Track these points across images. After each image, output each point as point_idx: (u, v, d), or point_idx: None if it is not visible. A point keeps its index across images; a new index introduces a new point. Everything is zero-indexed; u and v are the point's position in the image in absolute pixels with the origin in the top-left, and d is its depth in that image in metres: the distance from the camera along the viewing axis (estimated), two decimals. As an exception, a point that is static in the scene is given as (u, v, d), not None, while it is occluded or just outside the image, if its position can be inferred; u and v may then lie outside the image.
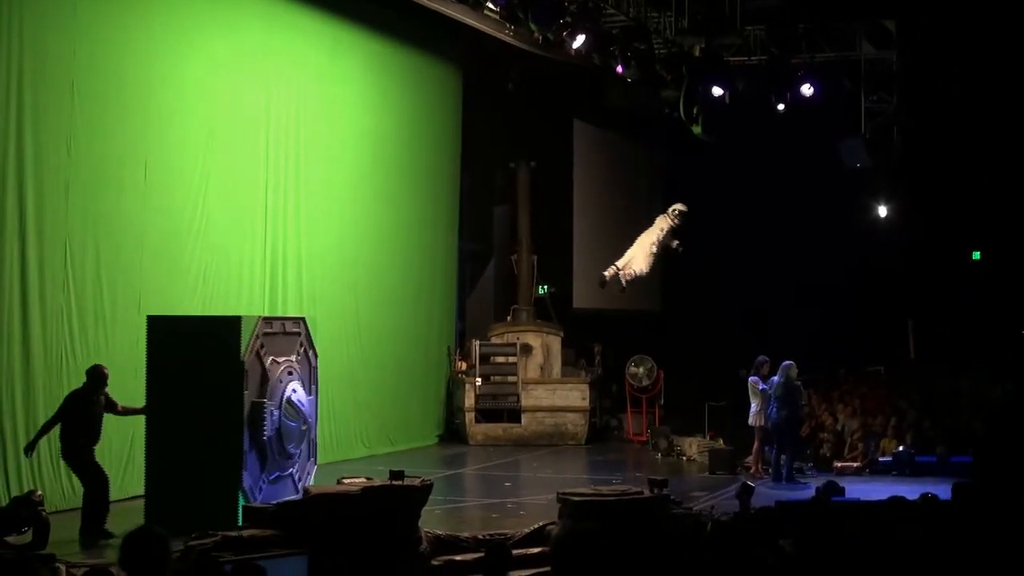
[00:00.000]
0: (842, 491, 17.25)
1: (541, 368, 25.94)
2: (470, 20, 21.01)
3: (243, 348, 14.30)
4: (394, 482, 12.58)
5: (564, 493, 13.41)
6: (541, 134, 27.41)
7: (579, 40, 20.27)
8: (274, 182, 20.46)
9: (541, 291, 27.55)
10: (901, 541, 5.98)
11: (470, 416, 25.07)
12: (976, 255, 31.73)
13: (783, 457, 20.09)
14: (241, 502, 13.90)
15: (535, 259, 27.01)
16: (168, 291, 17.87)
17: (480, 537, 13.20)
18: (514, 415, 25.30)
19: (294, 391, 15.29)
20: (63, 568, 10.19)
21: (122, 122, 17.17)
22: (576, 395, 25.51)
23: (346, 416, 22.24)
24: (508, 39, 21.95)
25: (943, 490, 10.68)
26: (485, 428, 25.12)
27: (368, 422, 22.96)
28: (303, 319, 16.23)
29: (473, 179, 27.28)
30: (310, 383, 16.07)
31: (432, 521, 13.90)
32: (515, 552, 11.74)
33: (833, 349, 28.58)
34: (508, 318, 26.72)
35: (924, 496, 9.58)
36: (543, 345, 26.10)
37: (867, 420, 22.79)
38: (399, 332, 24.11)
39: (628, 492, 13.63)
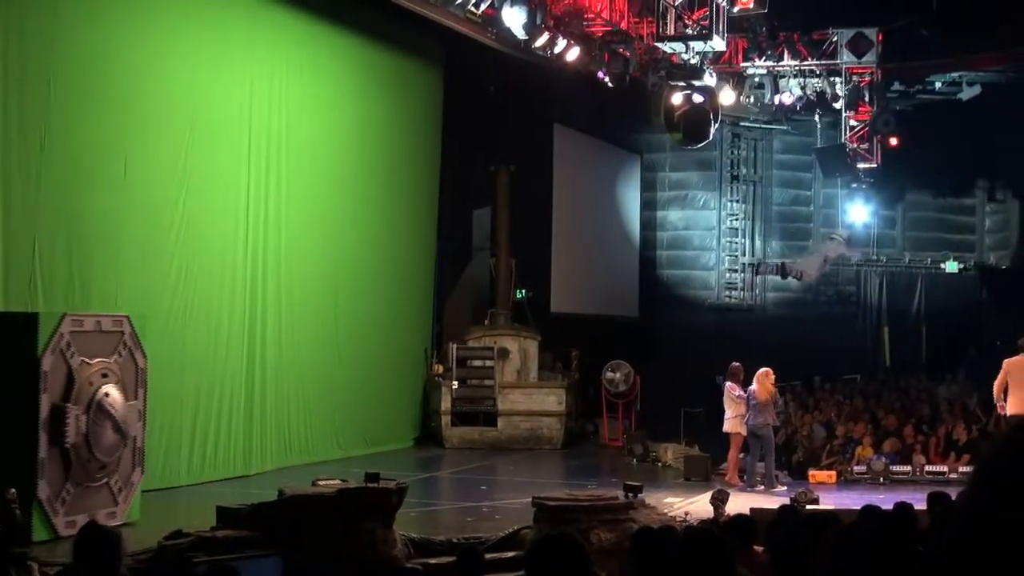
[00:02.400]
0: (816, 499, 17.36)
1: (518, 372, 25.97)
2: (452, 22, 21.04)
3: (40, 347, 13.47)
4: (369, 484, 12.62)
5: (539, 497, 13.47)
6: (521, 137, 27.45)
7: (560, 45, 20.36)
8: (255, 180, 20.45)
9: (519, 295, 27.58)
10: (874, 551, 6.02)
11: (446, 419, 25.07)
12: (952, 266, 31.92)
13: (759, 464, 20.18)
14: (36, 513, 13.16)
15: (513, 262, 27.04)
16: (146, 289, 17.84)
17: (455, 541, 13.25)
18: (490, 419, 25.31)
19: (107, 395, 14.11)
20: (35, 567, 10.19)
21: (101, 117, 17.12)
22: (552, 399, 25.54)
23: (322, 417, 22.24)
24: (489, 42, 21.98)
25: (918, 499, 10.75)
26: (461, 431, 25.13)
27: (344, 423, 22.96)
28: (127, 317, 15.10)
29: (452, 181, 27.31)
30: (136, 387, 14.93)
31: (407, 524, 13.91)
32: (489, 556, 11.77)
33: (809, 356, 28.72)
34: (485, 321, 26.74)
35: (898, 506, 9.63)
36: (520, 349, 26.13)
37: (843, 428, 22.88)
38: (377, 333, 24.12)
39: (603, 497, 13.70)
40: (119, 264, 17.38)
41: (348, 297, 23.19)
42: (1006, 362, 18.92)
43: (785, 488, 19.61)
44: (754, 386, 20.21)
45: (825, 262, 23.49)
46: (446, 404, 25.05)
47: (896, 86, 28.09)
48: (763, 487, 19.83)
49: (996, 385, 18.95)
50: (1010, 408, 18.56)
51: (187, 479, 18.36)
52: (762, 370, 20.38)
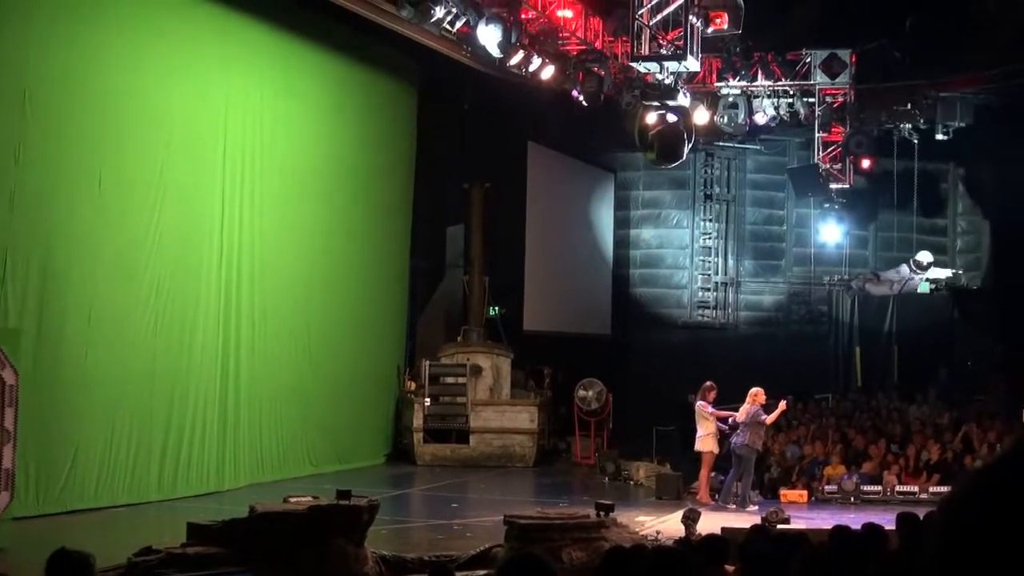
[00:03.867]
0: (787, 519, 17.41)
1: (490, 389, 25.98)
2: (426, 40, 21.07)
3: None
4: (341, 501, 12.61)
5: (511, 516, 13.47)
6: (495, 155, 27.49)
7: (535, 63, 20.43)
8: (229, 196, 20.45)
9: (492, 312, 27.60)
10: (843, 572, 6.06)
11: (418, 436, 25.06)
12: (924, 287, 32.03)
13: (737, 484, 20.22)
14: None
15: (487, 280, 27.07)
16: (120, 304, 17.83)
17: (426, 558, 13.24)
18: (462, 436, 25.31)
19: None
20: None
21: (76, 133, 17.13)
22: (525, 417, 25.56)
23: (294, 433, 22.22)
24: (464, 60, 22.04)
25: (888, 520, 10.79)
26: (433, 448, 25.12)
27: (316, 440, 22.94)
28: None
29: (426, 198, 27.31)
30: (3, 405, 14.22)
31: (378, 541, 13.90)
32: (460, 574, 11.77)
33: (782, 376, 28.78)
34: (458, 338, 26.74)
35: (867, 526, 9.66)
36: (493, 366, 26.14)
37: (810, 448, 22.95)
38: (349, 350, 24.11)
39: (575, 515, 13.71)
40: (94, 279, 17.37)
41: (321, 314, 23.18)
42: None
43: (757, 507, 19.65)
44: (746, 405, 20.25)
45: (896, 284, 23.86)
46: (418, 421, 25.05)
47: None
48: (734, 506, 19.86)
49: None
50: None
51: (157, 495, 18.31)
52: (752, 389, 20.41)
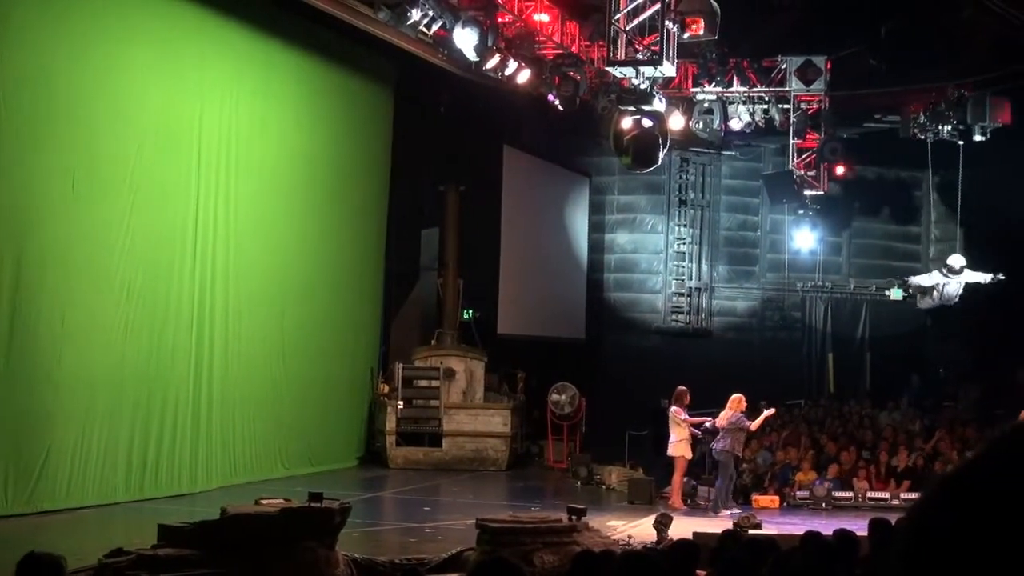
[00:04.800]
0: (759, 524, 17.46)
1: (464, 393, 25.98)
2: (403, 43, 21.07)
3: None
4: (312, 504, 12.59)
5: (483, 519, 13.48)
6: (471, 158, 27.50)
7: (511, 67, 20.46)
8: (204, 197, 20.40)
9: (466, 315, 27.61)
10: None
11: (391, 439, 25.04)
12: (896, 294, 32.14)
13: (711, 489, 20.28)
14: None
15: (461, 283, 27.07)
16: (93, 305, 17.78)
17: (397, 562, 13.24)
18: (435, 439, 25.30)
19: None
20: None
21: (50, 133, 17.08)
22: (498, 421, 25.56)
23: (267, 435, 22.18)
24: (441, 63, 22.04)
25: (860, 526, 10.83)
26: (406, 451, 25.11)
27: (289, 442, 22.90)
28: None
29: (402, 201, 27.29)
30: None
31: (350, 544, 13.88)
32: (432, 577, 11.78)
33: (755, 381, 28.86)
34: (432, 341, 26.73)
35: (839, 532, 9.69)
36: (466, 370, 26.14)
37: (782, 453, 23.04)
38: (323, 352, 24.08)
39: (547, 519, 13.72)
40: (67, 280, 17.32)
41: (295, 316, 23.14)
42: None
43: (730, 513, 19.70)
44: (727, 411, 20.30)
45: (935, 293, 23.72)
46: (391, 424, 25.02)
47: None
48: (728, 512, 19.81)
49: None
50: None
51: (125, 496, 18.24)
52: (734, 396, 20.47)
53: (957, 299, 24.23)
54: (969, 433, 23.65)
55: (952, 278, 23.26)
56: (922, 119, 25.48)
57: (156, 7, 19.29)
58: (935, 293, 23.76)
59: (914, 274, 31.66)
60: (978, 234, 27.39)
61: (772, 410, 21.50)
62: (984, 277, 23.10)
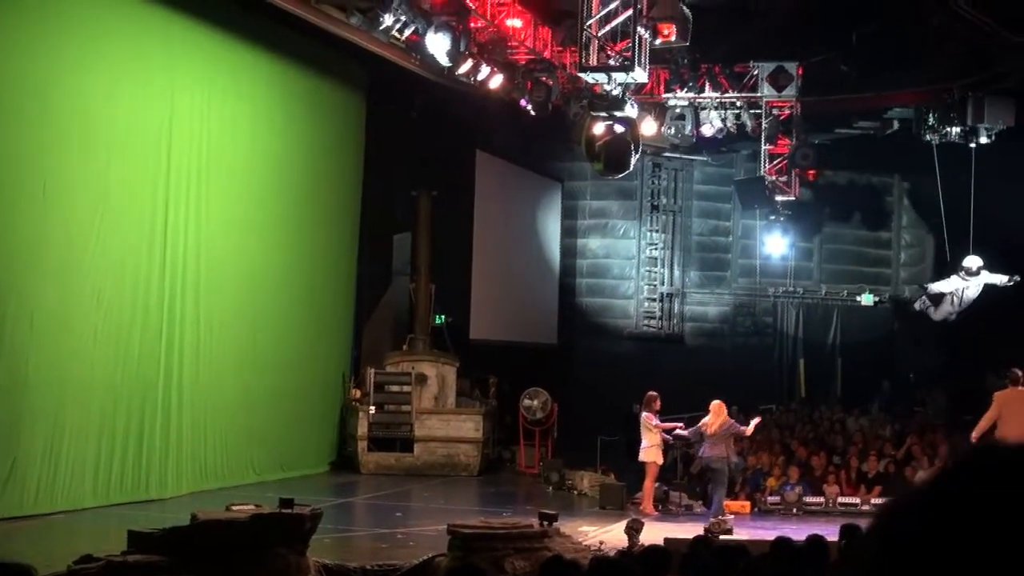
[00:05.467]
0: (730, 530, 17.51)
1: (435, 398, 25.96)
2: (375, 47, 21.06)
3: None
4: (283, 510, 12.57)
5: (454, 525, 13.48)
6: (443, 162, 27.49)
7: (484, 72, 20.48)
8: (174, 202, 20.32)
9: (438, 320, 27.59)
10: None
11: (363, 444, 25.00)
12: (867, 299, 32.30)
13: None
14: None
15: (433, 288, 27.04)
16: (63, 310, 17.70)
17: (369, 568, 13.23)
18: (407, 444, 25.28)
19: None
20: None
21: (19, 137, 17.00)
22: (470, 426, 25.55)
23: (238, 441, 22.11)
24: (413, 67, 22.03)
25: (831, 531, 10.87)
26: (377, 457, 25.07)
27: (260, 447, 22.83)
28: None
29: (374, 205, 27.24)
30: None
31: (321, 550, 13.87)
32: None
33: (726, 386, 28.93)
34: (404, 347, 26.71)
35: (810, 538, 9.73)
36: (438, 375, 26.12)
37: (753, 459, 23.10)
38: (295, 357, 24.03)
39: (518, 525, 13.73)
40: (37, 285, 17.24)
41: (266, 320, 23.09)
42: (997, 395, 18.82)
43: (732, 517, 19.72)
44: (708, 418, 20.28)
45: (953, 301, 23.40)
46: (363, 429, 24.98)
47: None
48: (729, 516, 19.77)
49: (986, 419, 18.73)
50: (1003, 435, 18.53)
51: (93, 502, 18.15)
52: (715, 402, 20.46)
53: (972, 302, 23.89)
54: (939, 439, 23.74)
55: (970, 280, 23.01)
56: (931, 120, 25.15)
57: (125, 10, 19.20)
58: (954, 299, 23.48)
59: (884, 283, 31.87)
60: (951, 239, 27.46)
61: (759, 418, 21.63)
62: (1001, 279, 22.87)
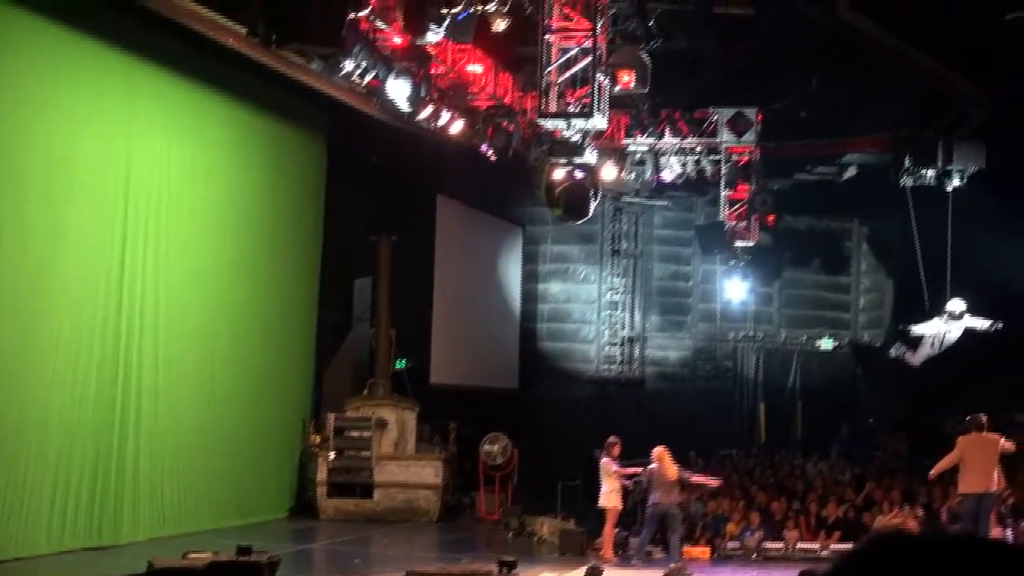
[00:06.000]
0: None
1: (395, 443, 25.88)
2: (336, 92, 21.11)
3: None
4: (241, 558, 12.52)
5: (413, 572, 13.45)
6: (404, 207, 27.52)
7: (444, 117, 20.55)
8: (132, 245, 20.26)
9: (398, 365, 27.55)
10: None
11: (322, 489, 24.90)
12: (827, 344, 32.46)
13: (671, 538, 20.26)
14: None
15: (394, 333, 27.01)
16: (18, 353, 17.60)
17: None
18: (367, 490, 25.19)
19: None
20: None
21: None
22: (429, 472, 25.49)
23: (196, 485, 21.97)
24: (374, 112, 22.09)
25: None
26: (337, 502, 24.97)
27: (218, 492, 22.71)
28: None
29: (334, 250, 27.24)
30: None
31: (278, 598, 13.80)
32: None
33: (686, 431, 28.99)
34: (365, 391, 26.63)
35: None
36: (398, 420, 26.05)
37: (714, 504, 23.12)
38: (254, 402, 23.94)
39: (477, 571, 13.70)
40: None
41: (226, 365, 23.02)
42: (961, 440, 18.75)
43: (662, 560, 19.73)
44: (657, 464, 20.23)
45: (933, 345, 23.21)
46: (322, 474, 24.90)
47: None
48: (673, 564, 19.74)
49: (947, 460, 18.79)
50: (963, 487, 18.58)
51: (47, 548, 17.99)
52: (661, 448, 20.42)
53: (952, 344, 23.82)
54: (898, 484, 23.83)
55: (953, 324, 22.98)
56: (907, 163, 25.13)
57: (85, 54, 19.17)
58: (935, 342, 23.45)
59: (843, 327, 32.03)
60: (909, 283, 27.59)
61: (716, 481, 21.71)
62: (983, 323, 22.86)
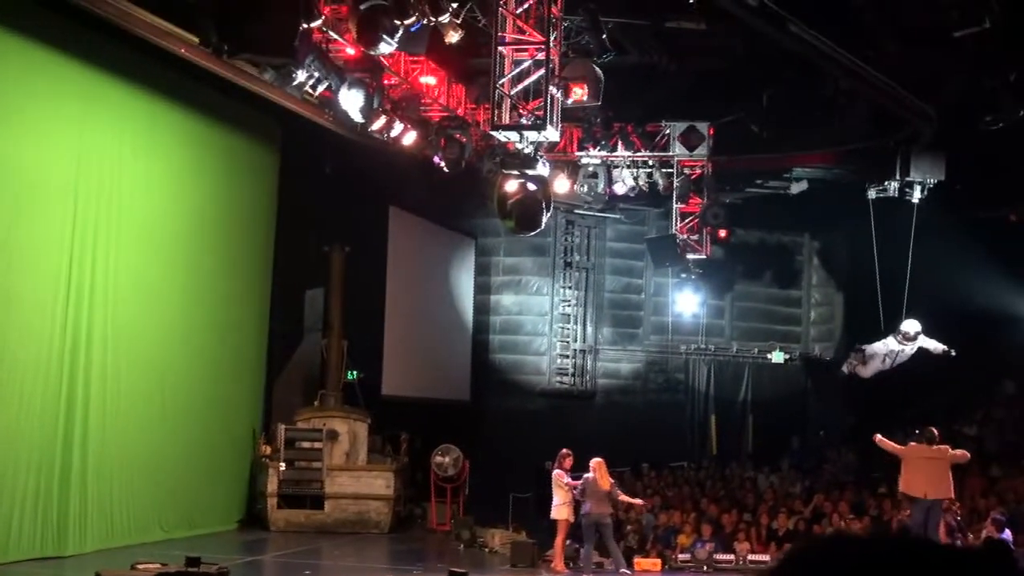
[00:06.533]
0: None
1: (347, 455, 25.85)
2: (289, 103, 21.10)
3: None
4: (189, 569, 12.49)
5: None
6: (356, 218, 27.52)
7: (397, 129, 20.58)
8: (80, 255, 20.11)
9: (350, 376, 27.51)
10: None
11: (272, 501, 24.83)
12: (778, 357, 32.65)
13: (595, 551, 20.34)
14: None
15: (345, 344, 26.99)
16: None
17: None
18: (317, 501, 25.14)
19: None
20: None
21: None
22: (381, 483, 25.47)
23: (145, 497, 21.85)
24: (326, 124, 22.09)
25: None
26: (287, 514, 24.91)
27: (168, 504, 22.59)
28: None
29: (286, 260, 27.19)
30: None
31: (227, 609, 13.77)
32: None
33: (638, 443, 29.10)
34: (315, 403, 26.59)
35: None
36: (350, 431, 26.03)
37: (665, 516, 23.22)
38: (204, 412, 23.83)
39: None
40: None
41: (176, 375, 22.91)
42: (911, 445, 19.50)
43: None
44: (593, 474, 20.27)
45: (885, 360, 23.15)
46: (273, 486, 24.83)
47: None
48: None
49: (893, 447, 19.62)
50: (902, 486, 19.39)
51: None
52: (598, 460, 20.49)
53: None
54: (847, 496, 24.00)
55: (907, 345, 22.99)
56: (873, 175, 25.13)
57: (37, 60, 19.08)
58: (887, 359, 23.50)
59: (794, 340, 32.25)
60: (860, 298, 27.77)
61: (640, 501, 21.98)
62: (938, 347, 22.87)
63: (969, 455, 19.77)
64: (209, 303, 24.01)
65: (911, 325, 22.51)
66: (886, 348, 22.99)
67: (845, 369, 23.90)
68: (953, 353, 22.43)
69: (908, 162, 24.31)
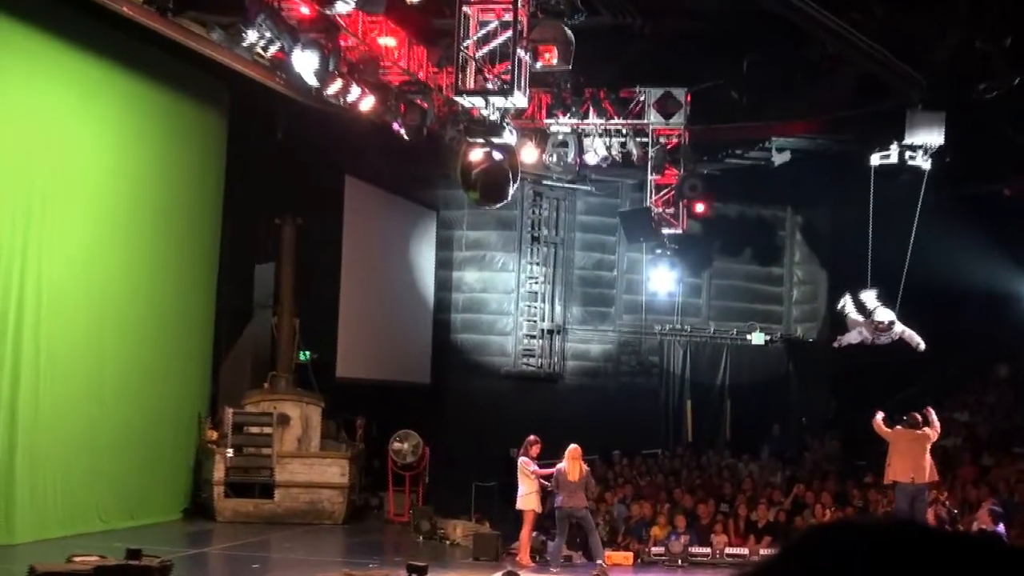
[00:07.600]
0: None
1: (298, 440, 25.81)
2: (238, 65, 20.96)
3: None
4: (130, 561, 12.47)
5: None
6: (310, 188, 27.43)
7: (354, 93, 20.51)
8: (10, 227, 19.97)
9: (302, 357, 27.44)
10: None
11: (219, 490, 24.77)
12: (758, 338, 32.72)
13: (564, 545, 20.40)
14: None
15: (297, 322, 26.90)
16: None
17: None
18: (267, 490, 25.09)
19: None
20: None
21: None
22: (335, 471, 25.44)
23: (82, 485, 21.76)
24: (278, 87, 21.98)
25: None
26: (235, 503, 24.86)
27: (106, 493, 22.51)
28: None
29: (235, 233, 27.09)
30: None
31: (170, 605, 13.76)
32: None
33: (609, 429, 29.15)
34: (265, 385, 26.52)
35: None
36: (302, 416, 25.97)
37: (637, 507, 23.28)
38: (146, 395, 23.73)
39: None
40: None
41: (115, 355, 22.80)
42: (899, 428, 20.18)
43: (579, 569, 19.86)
44: (564, 464, 20.27)
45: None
46: (219, 473, 24.77)
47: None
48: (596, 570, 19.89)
49: (883, 430, 20.24)
50: (889, 474, 19.96)
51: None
52: (573, 446, 20.50)
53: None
54: (830, 486, 24.13)
55: (882, 337, 22.84)
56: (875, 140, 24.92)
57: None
58: (864, 339, 23.36)
59: (775, 321, 32.30)
60: (846, 276, 27.89)
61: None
62: (914, 338, 22.77)
63: (939, 426, 20.31)
64: (152, 279, 23.89)
65: (884, 314, 22.44)
66: (860, 336, 23.03)
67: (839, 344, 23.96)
68: (923, 347, 22.56)
69: (902, 124, 24.08)
